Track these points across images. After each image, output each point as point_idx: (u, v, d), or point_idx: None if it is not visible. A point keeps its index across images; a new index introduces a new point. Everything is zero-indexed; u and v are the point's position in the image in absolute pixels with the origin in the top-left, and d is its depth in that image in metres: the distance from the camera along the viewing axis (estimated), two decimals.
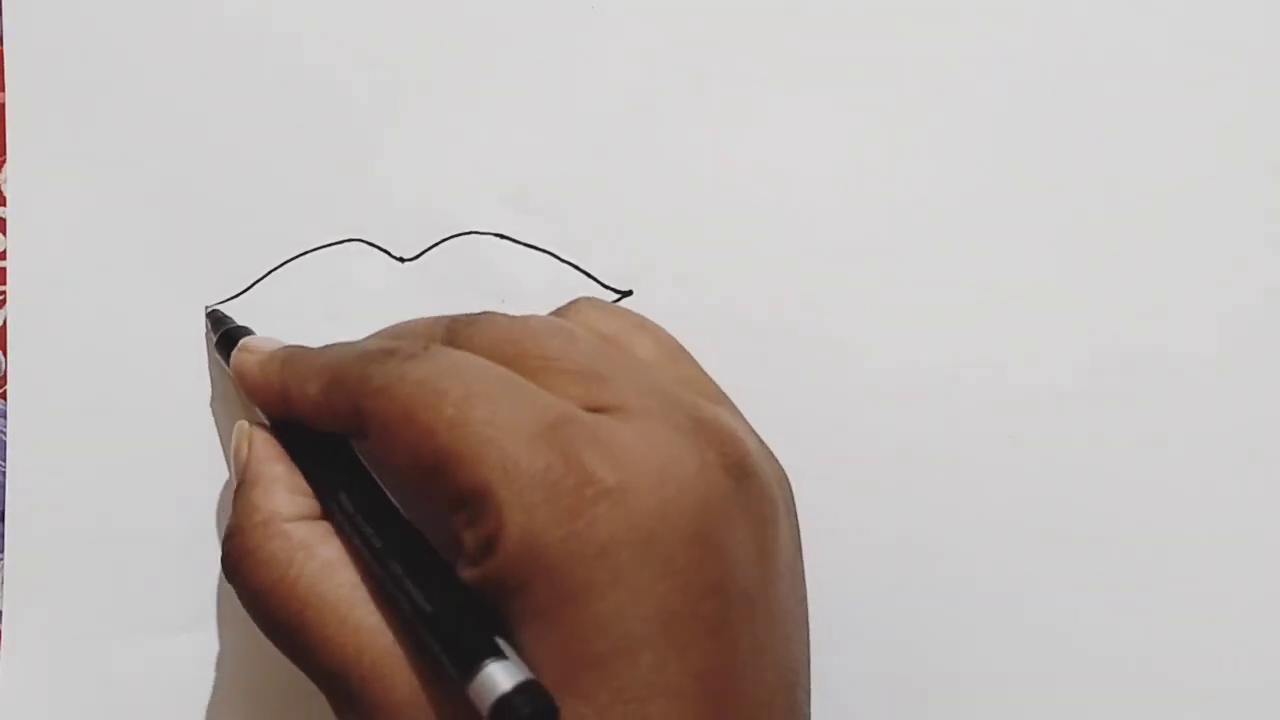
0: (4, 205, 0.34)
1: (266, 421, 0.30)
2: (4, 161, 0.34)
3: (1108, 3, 0.35)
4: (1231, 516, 0.34)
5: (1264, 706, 0.34)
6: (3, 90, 0.34)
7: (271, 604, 0.26)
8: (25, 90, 0.33)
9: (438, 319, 0.28)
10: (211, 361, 0.33)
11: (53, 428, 0.33)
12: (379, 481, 0.27)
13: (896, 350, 0.34)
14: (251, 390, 0.29)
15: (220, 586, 0.33)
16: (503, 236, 0.34)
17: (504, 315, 0.27)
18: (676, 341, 0.29)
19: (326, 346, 0.28)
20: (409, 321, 0.29)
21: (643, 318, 0.29)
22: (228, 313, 0.33)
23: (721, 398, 0.28)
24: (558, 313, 0.29)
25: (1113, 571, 0.34)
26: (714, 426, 0.25)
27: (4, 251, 0.34)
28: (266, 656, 0.33)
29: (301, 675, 0.27)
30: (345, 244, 0.34)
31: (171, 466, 0.33)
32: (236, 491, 0.28)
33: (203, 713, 0.33)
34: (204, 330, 0.33)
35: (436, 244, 0.34)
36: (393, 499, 0.27)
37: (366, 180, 0.34)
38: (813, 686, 0.27)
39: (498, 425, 0.23)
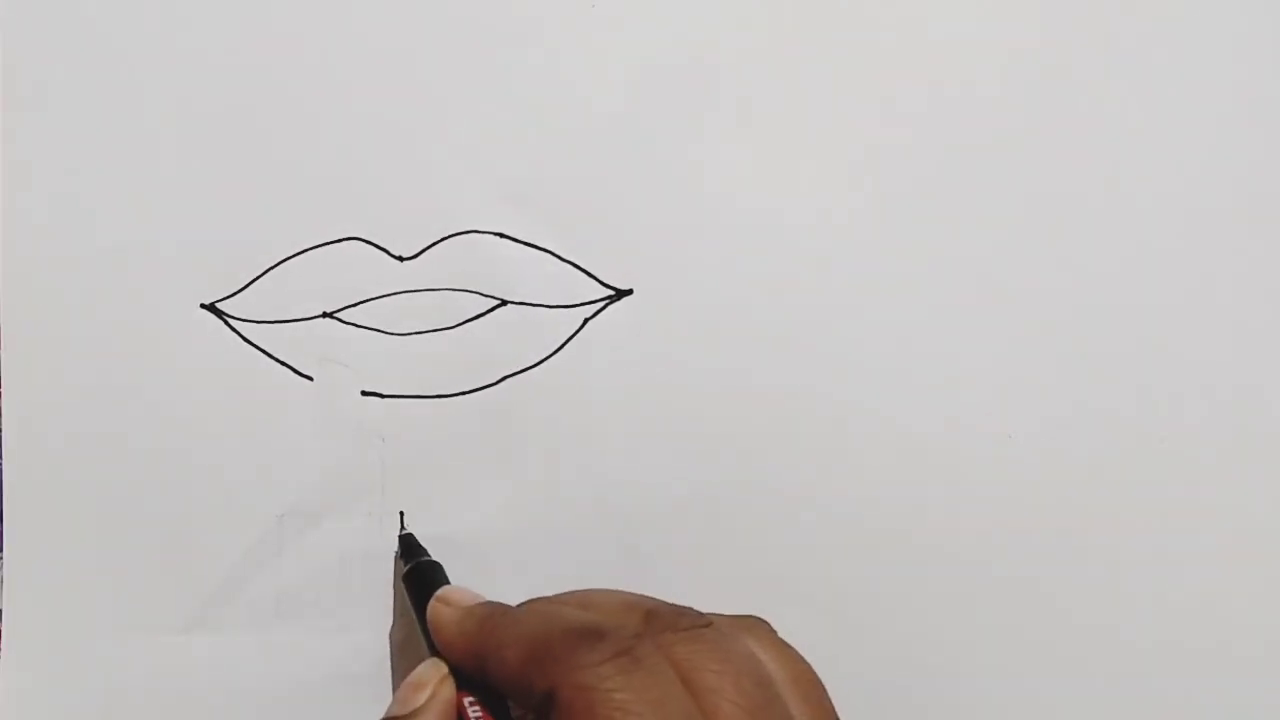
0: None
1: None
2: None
3: (1105, 3, 0.35)
4: (1230, 515, 0.35)
5: (1264, 706, 0.34)
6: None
7: None
8: (22, 89, 0.33)
9: (638, 599, 0.27)
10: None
11: (51, 427, 0.33)
12: None
13: (896, 349, 0.34)
14: (447, 646, 0.28)
15: (220, 586, 0.33)
16: (503, 236, 0.34)
17: (709, 627, 0.26)
18: (834, 712, 0.27)
19: (526, 608, 0.27)
20: (605, 592, 0.28)
21: (813, 674, 0.27)
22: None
23: None
24: (736, 625, 0.27)
25: (1111, 570, 0.35)
26: None
27: None
28: (266, 656, 0.33)
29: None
30: (345, 243, 0.34)
31: (171, 466, 0.33)
32: None
33: (203, 713, 0.33)
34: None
35: (436, 243, 0.34)
36: None
37: (366, 180, 0.34)
38: None
39: None
